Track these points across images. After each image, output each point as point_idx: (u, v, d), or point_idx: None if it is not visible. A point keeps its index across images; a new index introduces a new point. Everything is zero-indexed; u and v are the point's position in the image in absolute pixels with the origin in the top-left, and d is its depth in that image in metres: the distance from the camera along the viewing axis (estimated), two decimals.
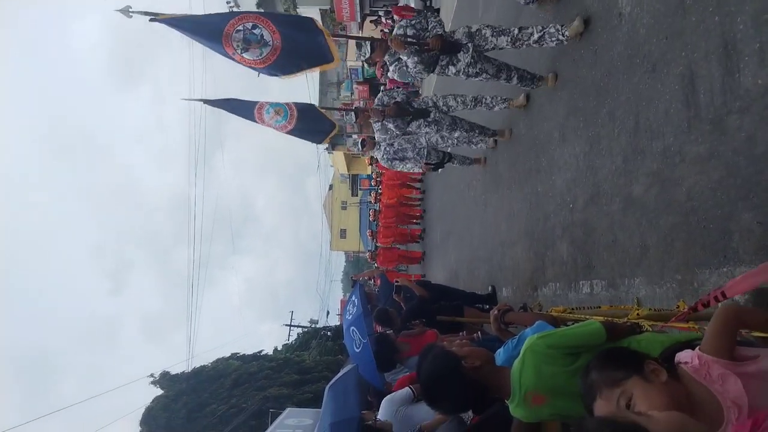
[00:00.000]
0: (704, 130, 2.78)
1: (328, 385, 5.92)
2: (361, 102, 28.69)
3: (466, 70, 4.79)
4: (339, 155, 37.50)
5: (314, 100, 36.74)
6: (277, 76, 4.78)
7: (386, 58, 5.20)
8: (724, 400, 1.33)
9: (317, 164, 42.85)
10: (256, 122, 6.01)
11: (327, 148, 38.11)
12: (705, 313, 1.84)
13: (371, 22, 26.32)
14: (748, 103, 2.49)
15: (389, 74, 5.53)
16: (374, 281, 13.66)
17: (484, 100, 5.84)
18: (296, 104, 6.29)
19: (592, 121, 4.06)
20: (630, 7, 3.58)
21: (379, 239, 16.49)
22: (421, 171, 6.63)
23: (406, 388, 4.10)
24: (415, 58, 4.78)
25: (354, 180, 43.07)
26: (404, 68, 5.05)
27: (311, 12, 27.99)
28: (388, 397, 4.10)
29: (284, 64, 4.66)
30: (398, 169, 6.87)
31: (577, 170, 4.34)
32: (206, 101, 6.00)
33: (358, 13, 26.49)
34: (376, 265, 16.70)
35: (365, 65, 27.21)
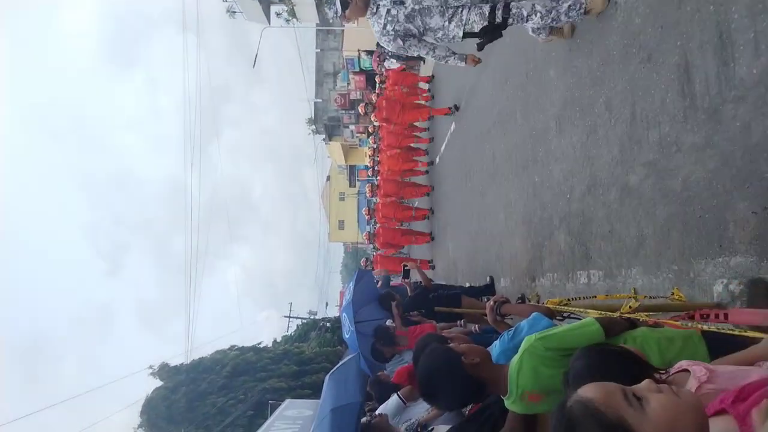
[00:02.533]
0: (700, 119, 2.78)
1: (329, 374, 5.97)
2: (358, 93, 28.51)
3: None
4: (336, 146, 37.37)
5: (311, 91, 36.46)
6: None
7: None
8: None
9: (314, 155, 42.64)
10: None
11: (324, 139, 37.89)
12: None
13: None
14: (742, 92, 2.49)
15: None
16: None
17: None
18: None
19: (589, 111, 4.05)
20: None
21: (377, 218, 14.12)
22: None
23: (394, 396, 4.16)
24: None
25: (351, 171, 42.96)
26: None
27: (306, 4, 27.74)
28: (379, 410, 4.19)
29: None
30: (413, 53, 4.25)
31: (574, 160, 4.34)
32: None
33: None
34: (375, 247, 14.80)
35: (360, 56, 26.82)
